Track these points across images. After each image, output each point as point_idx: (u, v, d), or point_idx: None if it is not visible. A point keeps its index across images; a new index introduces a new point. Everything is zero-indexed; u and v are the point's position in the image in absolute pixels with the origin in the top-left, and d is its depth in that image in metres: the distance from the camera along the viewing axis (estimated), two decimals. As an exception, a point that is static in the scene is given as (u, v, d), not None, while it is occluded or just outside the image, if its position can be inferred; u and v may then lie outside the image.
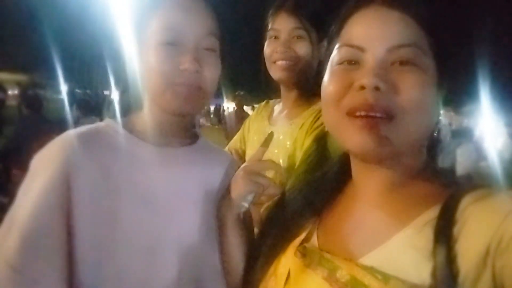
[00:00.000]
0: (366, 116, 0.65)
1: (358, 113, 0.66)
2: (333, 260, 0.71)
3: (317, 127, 1.37)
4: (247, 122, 1.84)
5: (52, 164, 0.81)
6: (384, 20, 0.69)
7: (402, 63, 0.67)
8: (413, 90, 0.65)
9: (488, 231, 0.56)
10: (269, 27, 1.54)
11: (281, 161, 1.47)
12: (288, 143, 1.47)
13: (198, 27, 0.90)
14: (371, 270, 0.64)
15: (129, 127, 0.96)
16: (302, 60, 1.47)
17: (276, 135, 1.53)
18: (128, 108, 1.03)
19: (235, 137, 1.86)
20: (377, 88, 0.65)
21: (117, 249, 0.84)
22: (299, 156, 1.41)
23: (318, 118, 1.39)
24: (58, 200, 0.79)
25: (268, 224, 0.90)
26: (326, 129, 0.79)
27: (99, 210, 0.83)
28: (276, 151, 1.50)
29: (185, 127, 1.01)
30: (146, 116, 0.97)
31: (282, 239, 0.84)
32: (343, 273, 0.67)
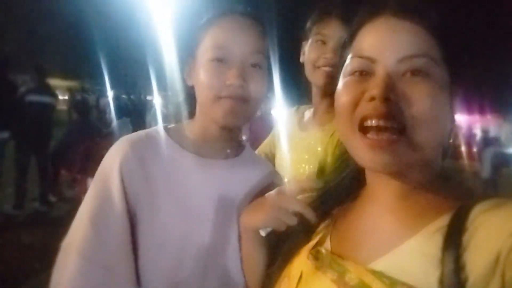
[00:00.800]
0: (377, 131, 0.65)
1: (369, 123, 0.67)
2: (343, 263, 0.72)
3: None
4: (278, 127, 1.86)
5: (111, 167, 0.91)
6: (394, 31, 0.68)
7: (414, 73, 0.66)
8: (425, 100, 0.64)
9: (498, 241, 0.55)
10: (315, 31, 1.53)
11: (311, 167, 1.48)
12: (319, 148, 1.48)
13: (246, 45, 0.95)
14: (379, 275, 0.64)
15: (178, 135, 1.03)
16: None
17: (307, 141, 1.56)
18: (179, 116, 1.10)
19: (265, 141, 1.88)
20: (387, 99, 0.65)
21: (151, 247, 0.90)
22: (330, 162, 1.41)
23: None
24: (117, 195, 0.89)
25: (287, 229, 0.91)
26: None
27: (141, 209, 0.91)
28: (306, 156, 1.52)
29: (231, 140, 1.06)
30: (196, 127, 1.04)
31: (297, 243, 0.85)
32: (352, 276, 0.68)
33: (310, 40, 1.55)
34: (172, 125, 1.08)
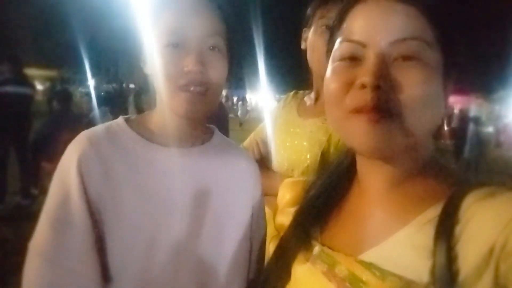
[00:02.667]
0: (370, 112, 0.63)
1: (360, 113, 0.64)
2: (332, 255, 0.70)
3: None
4: (274, 111, 1.79)
5: (69, 164, 0.86)
6: (386, 12, 0.65)
7: (406, 58, 0.63)
8: (417, 87, 0.62)
9: (492, 232, 0.53)
10: (319, 16, 1.46)
11: (308, 156, 1.44)
12: (323, 138, 1.43)
13: (201, 28, 0.89)
14: (369, 266, 0.63)
15: (140, 126, 0.97)
16: None
17: (306, 128, 1.52)
18: (142, 106, 1.03)
19: (260, 126, 1.80)
20: (378, 87, 0.62)
21: (118, 244, 0.86)
22: (333, 153, 1.38)
23: None
24: (76, 194, 0.84)
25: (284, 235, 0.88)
26: None
27: (106, 208, 0.86)
28: (305, 143, 1.48)
29: (196, 127, 1.00)
30: (157, 116, 0.98)
31: (294, 246, 0.82)
32: (342, 268, 0.67)
33: (314, 26, 1.49)
34: (134, 116, 1.01)
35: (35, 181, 5.58)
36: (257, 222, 1.06)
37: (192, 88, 0.87)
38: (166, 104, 0.91)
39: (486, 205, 0.57)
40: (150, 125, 0.98)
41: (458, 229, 0.57)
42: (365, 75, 0.62)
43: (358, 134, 0.64)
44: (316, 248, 0.75)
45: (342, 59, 0.69)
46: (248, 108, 23.19)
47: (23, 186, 5.40)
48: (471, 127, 8.72)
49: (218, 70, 0.91)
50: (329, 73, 0.71)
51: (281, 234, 0.90)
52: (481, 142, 8.61)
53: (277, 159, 1.56)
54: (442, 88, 0.65)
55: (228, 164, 1.03)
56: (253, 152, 1.63)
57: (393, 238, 0.64)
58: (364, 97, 0.62)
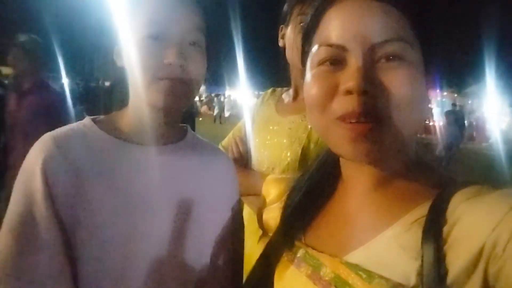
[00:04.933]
0: (357, 122, 0.61)
1: (348, 121, 0.62)
2: (317, 256, 0.69)
3: None
4: (252, 109, 1.78)
5: (33, 168, 0.81)
6: (364, 13, 0.62)
7: (389, 59, 0.61)
8: (403, 87, 0.60)
9: (481, 233, 0.52)
10: (297, 13, 1.45)
11: (288, 154, 1.44)
12: (303, 134, 1.43)
13: (183, 22, 0.88)
14: (355, 268, 0.61)
15: (109, 126, 0.93)
16: None
17: (285, 126, 1.51)
18: (113, 104, 1.01)
19: (239, 124, 1.79)
20: (365, 92, 0.60)
21: (91, 250, 0.82)
22: (313, 150, 1.38)
23: None
24: (41, 199, 0.79)
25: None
26: None
27: (76, 212, 0.81)
28: (284, 141, 1.47)
29: (170, 124, 0.97)
30: (130, 113, 0.94)
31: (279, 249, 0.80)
32: (327, 271, 0.65)
33: (291, 24, 1.47)
34: (101, 116, 0.97)
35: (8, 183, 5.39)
36: (235, 220, 1.05)
37: (170, 79, 0.85)
38: (142, 98, 0.88)
39: (474, 205, 0.56)
40: (120, 124, 0.94)
41: (446, 229, 0.56)
42: (350, 80, 0.60)
43: (346, 141, 0.62)
44: (301, 250, 0.73)
45: (322, 63, 0.66)
46: (226, 106, 23.06)
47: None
48: (443, 121, 8.90)
49: (197, 65, 0.90)
50: (310, 79, 0.68)
51: (268, 232, 0.89)
52: (453, 136, 8.80)
53: (257, 158, 1.55)
54: (424, 85, 0.64)
55: (203, 162, 1.02)
56: (232, 151, 1.62)
57: (379, 238, 0.62)
58: (351, 103, 0.60)
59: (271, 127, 1.57)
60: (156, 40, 0.86)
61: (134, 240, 0.85)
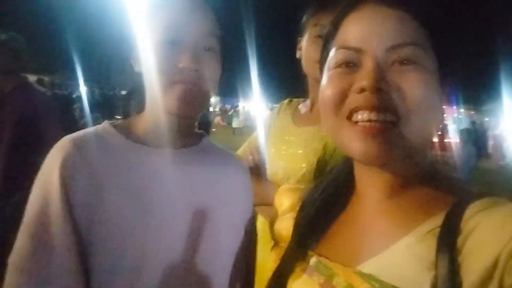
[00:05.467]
0: (369, 121, 0.62)
1: (360, 115, 0.63)
2: (330, 266, 0.69)
3: None
4: (268, 119, 1.78)
5: (51, 170, 0.83)
6: (381, 19, 0.65)
7: (403, 63, 0.63)
8: (416, 89, 0.62)
9: (496, 245, 0.52)
10: (313, 23, 1.46)
11: (303, 165, 1.43)
12: (319, 146, 1.42)
13: (198, 27, 0.89)
14: (368, 278, 0.61)
15: (127, 130, 0.95)
16: None
17: (301, 136, 1.51)
18: (131, 110, 1.03)
19: (254, 134, 1.79)
20: (378, 90, 0.62)
21: (111, 247, 0.83)
22: (329, 161, 1.37)
23: None
24: (57, 201, 0.80)
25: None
26: None
27: (92, 214, 0.83)
28: (300, 151, 1.46)
29: (186, 129, 0.99)
30: (146, 118, 0.96)
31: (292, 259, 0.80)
32: (340, 280, 0.65)
33: (307, 35, 1.49)
34: (119, 121, 1.00)
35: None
36: (249, 226, 1.04)
37: (185, 84, 0.87)
38: (159, 102, 0.90)
39: (489, 216, 0.55)
40: (137, 129, 0.96)
41: (460, 239, 0.55)
42: (364, 79, 0.62)
43: (357, 141, 0.63)
44: (313, 259, 0.73)
45: (338, 65, 0.68)
46: (241, 117, 23.17)
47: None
48: (460, 139, 8.76)
49: (212, 70, 0.91)
50: (325, 81, 0.71)
51: (280, 242, 0.88)
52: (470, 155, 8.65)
53: (272, 168, 1.55)
54: (439, 93, 0.65)
55: (218, 166, 1.02)
56: (247, 161, 1.60)
57: (393, 248, 0.62)
58: (363, 100, 0.62)
59: (287, 138, 1.57)
60: (172, 44, 0.88)
61: (147, 242, 0.85)
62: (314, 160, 1.41)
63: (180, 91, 0.87)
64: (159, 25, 0.88)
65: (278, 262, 0.82)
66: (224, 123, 25.40)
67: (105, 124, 0.95)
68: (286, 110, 1.72)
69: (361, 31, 0.66)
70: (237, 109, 25.48)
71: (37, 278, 0.77)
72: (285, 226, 0.87)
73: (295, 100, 1.75)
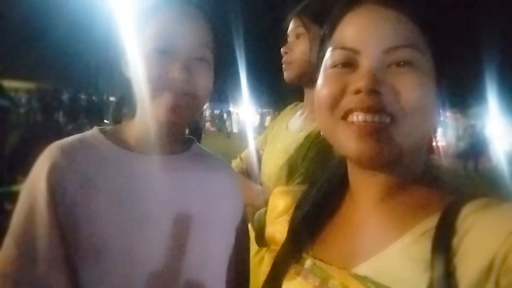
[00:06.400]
0: (364, 122, 0.62)
1: (355, 116, 0.63)
2: (325, 268, 0.68)
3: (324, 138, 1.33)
4: (272, 122, 1.82)
5: (38, 177, 0.82)
6: (378, 20, 0.65)
7: (399, 64, 0.63)
8: (412, 91, 0.62)
9: (492, 246, 0.52)
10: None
11: (281, 167, 1.43)
12: (293, 148, 1.43)
13: (191, 37, 0.89)
14: (364, 280, 0.61)
15: (116, 136, 0.94)
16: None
17: (287, 140, 1.51)
18: (121, 116, 1.03)
19: (260, 137, 1.83)
20: (374, 91, 0.61)
21: (100, 255, 0.82)
22: (299, 164, 1.37)
23: None
24: (44, 207, 0.80)
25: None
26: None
27: (79, 221, 0.82)
28: (280, 155, 1.47)
29: (175, 135, 0.98)
30: (136, 124, 0.95)
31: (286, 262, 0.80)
32: (335, 282, 0.65)
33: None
34: (109, 127, 0.99)
35: (10, 196, 5.39)
36: (240, 232, 1.04)
37: (174, 93, 0.86)
38: (148, 110, 0.89)
39: (484, 217, 0.56)
40: (127, 135, 0.95)
41: (455, 240, 0.55)
42: (360, 80, 0.62)
43: (352, 140, 0.63)
44: (308, 262, 0.73)
45: (335, 66, 0.68)
46: (234, 122, 23.21)
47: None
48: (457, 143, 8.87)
49: (203, 80, 0.91)
50: (321, 81, 0.71)
51: (273, 245, 0.88)
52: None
53: (263, 170, 1.57)
54: (435, 95, 0.65)
55: (207, 172, 1.02)
56: (247, 164, 1.66)
57: (388, 250, 0.62)
58: (359, 101, 0.62)
59: (277, 140, 1.59)
60: (163, 53, 0.87)
61: (136, 249, 0.84)
62: (287, 163, 1.41)
63: (169, 99, 0.86)
64: (151, 33, 0.88)
65: (271, 265, 0.81)
66: (214, 129, 25.39)
67: (94, 130, 0.94)
68: (288, 113, 1.74)
69: (359, 31, 0.66)
70: (230, 114, 25.47)
71: (22, 285, 0.77)
72: (279, 229, 0.87)
73: (300, 104, 1.75)
